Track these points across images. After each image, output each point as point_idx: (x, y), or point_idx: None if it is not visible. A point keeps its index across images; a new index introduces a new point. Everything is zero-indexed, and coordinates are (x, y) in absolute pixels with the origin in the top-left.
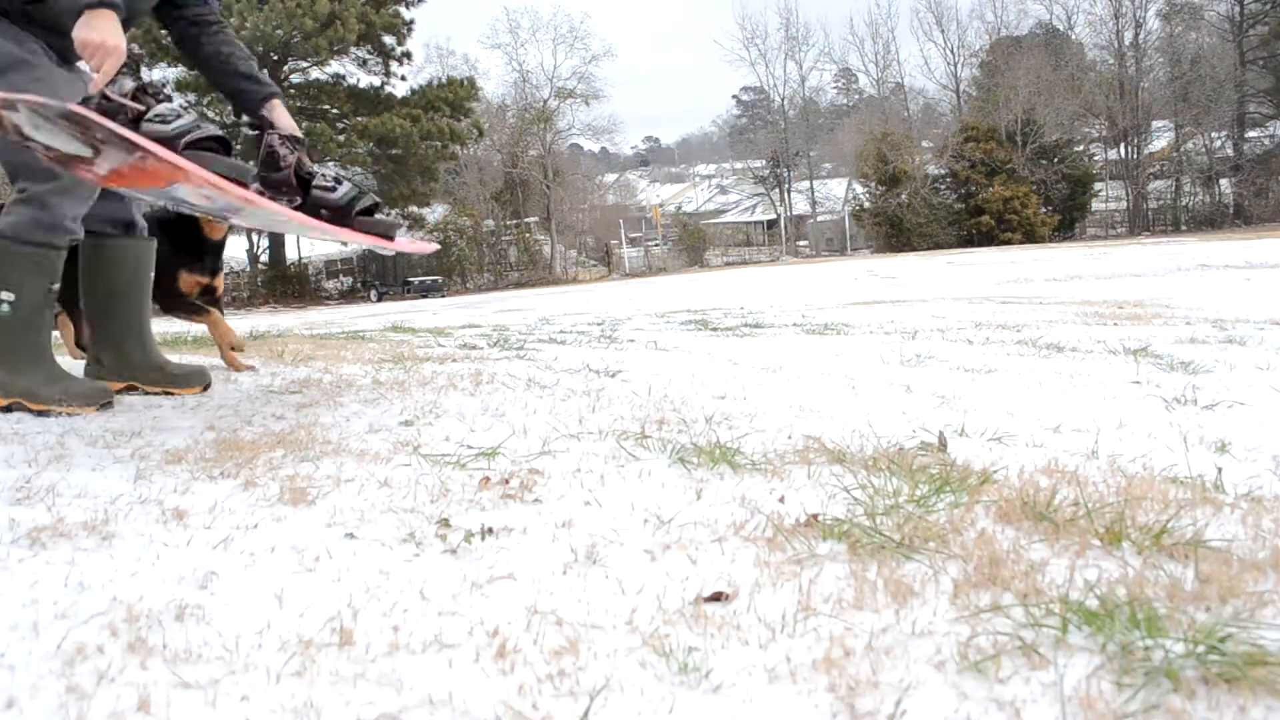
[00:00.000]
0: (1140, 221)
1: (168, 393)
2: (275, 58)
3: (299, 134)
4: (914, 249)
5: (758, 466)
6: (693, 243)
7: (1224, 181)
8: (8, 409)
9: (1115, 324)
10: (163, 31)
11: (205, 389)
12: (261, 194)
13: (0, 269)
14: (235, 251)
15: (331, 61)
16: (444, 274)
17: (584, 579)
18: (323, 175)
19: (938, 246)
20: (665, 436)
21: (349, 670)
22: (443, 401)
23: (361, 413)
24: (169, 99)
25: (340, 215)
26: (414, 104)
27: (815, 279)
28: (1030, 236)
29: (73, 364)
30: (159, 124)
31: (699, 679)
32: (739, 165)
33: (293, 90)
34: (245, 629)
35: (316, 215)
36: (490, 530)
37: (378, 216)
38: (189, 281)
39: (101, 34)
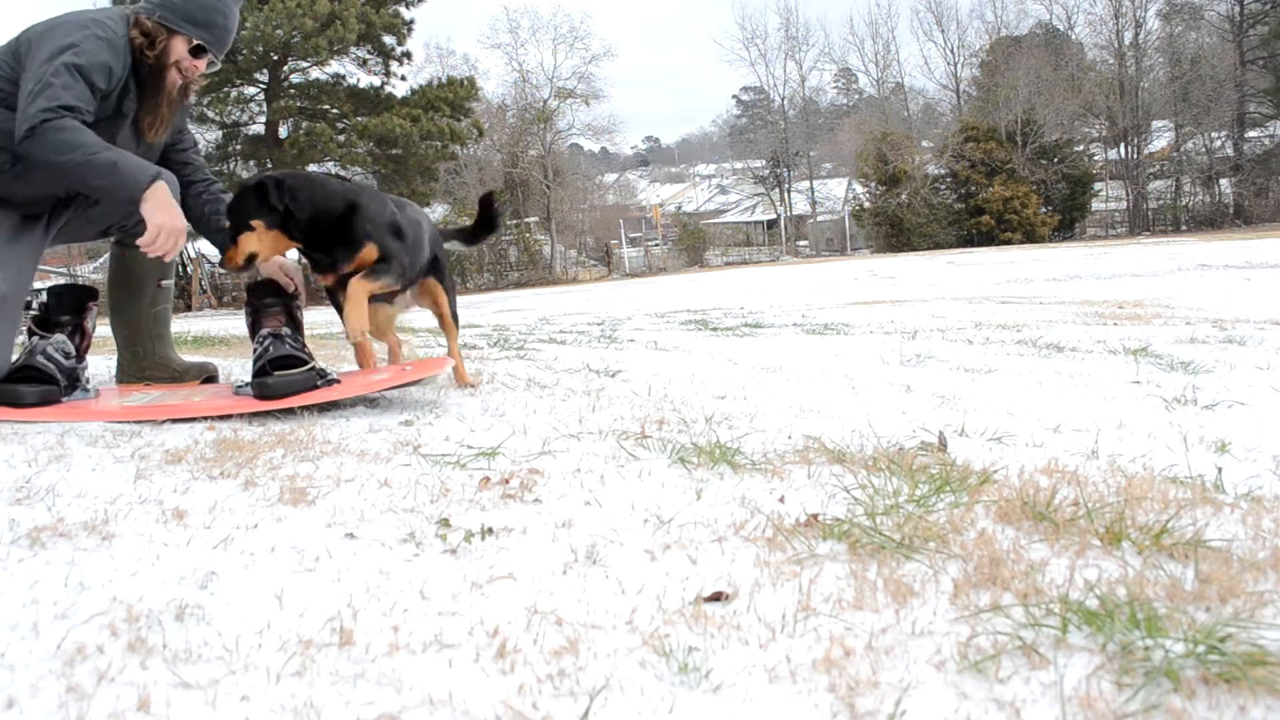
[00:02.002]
0: (1140, 221)
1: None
2: (275, 58)
3: (289, 272)
4: (914, 249)
5: (758, 466)
6: (693, 243)
7: (1224, 181)
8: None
9: (1115, 324)
10: None
11: (207, 381)
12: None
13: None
14: None
15: (331, 61)
16: None
17: (584, 579)
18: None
19: (938, 246)
20: (665, 436)
21: (349, 670)
22: (443, 401)
23: (361, 413)
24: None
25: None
26: (414, 104)
27: (815, 279)
28: (1030, 236)
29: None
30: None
31: (699, 679)
32: (739, 165)
33: (293, 90)
34: (245, 629)
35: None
36: (490, 530)
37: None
38: None
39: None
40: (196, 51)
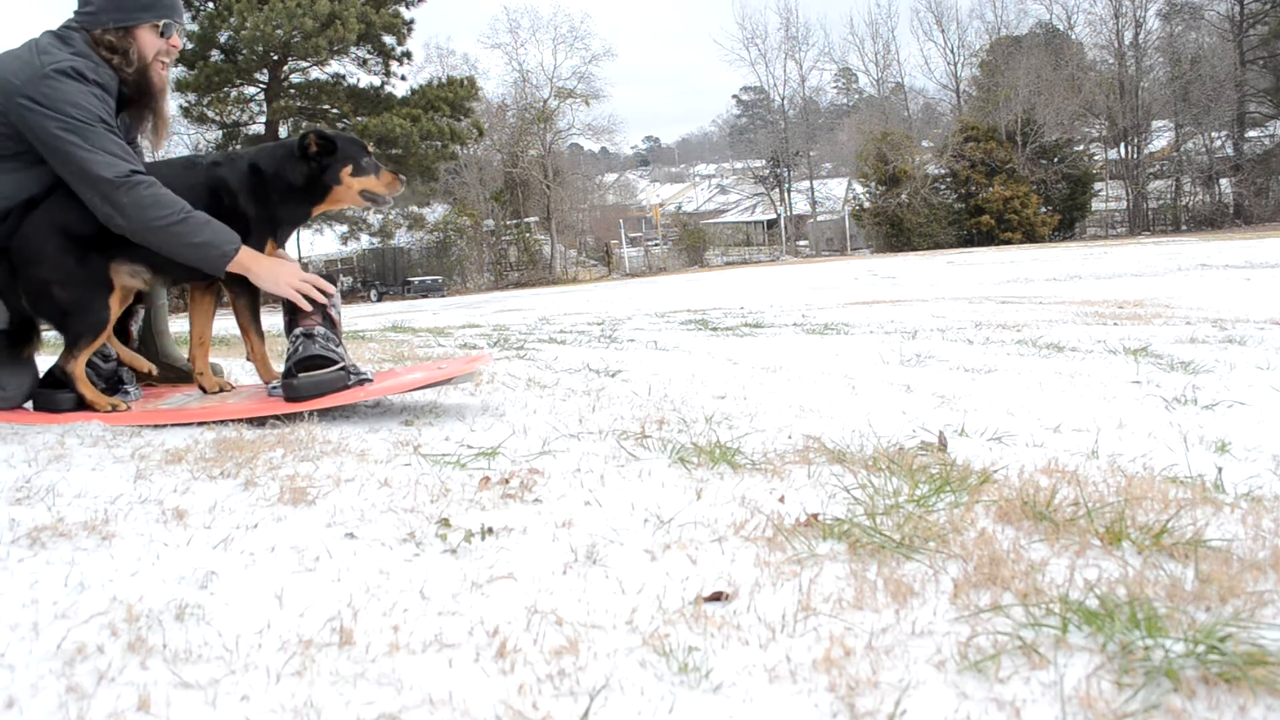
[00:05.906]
0: (1140, 221)
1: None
2: (275, 58)
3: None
4: (914, 249)
5: (758, 466)
6: (693, 243)
7: (1224, 181)
8: None
9: (1115, 324)
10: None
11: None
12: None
13: None
14: None
15: (331, 61)
16: (444, 274)
17: (584, 579)
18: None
19: (938, 246)
20: (665, 436)
21: (349, 670)
22: (442, 401)
23: (362, 413)
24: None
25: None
26: (414, 104)
27: (815, 279)
28: (1030, 236)
29: None
30: None
31: (699, 679)
32: (739, 165)
33: (293, 90)
34: (245, 629)
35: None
36: (490, 530)
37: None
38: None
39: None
40: (164, 30)
